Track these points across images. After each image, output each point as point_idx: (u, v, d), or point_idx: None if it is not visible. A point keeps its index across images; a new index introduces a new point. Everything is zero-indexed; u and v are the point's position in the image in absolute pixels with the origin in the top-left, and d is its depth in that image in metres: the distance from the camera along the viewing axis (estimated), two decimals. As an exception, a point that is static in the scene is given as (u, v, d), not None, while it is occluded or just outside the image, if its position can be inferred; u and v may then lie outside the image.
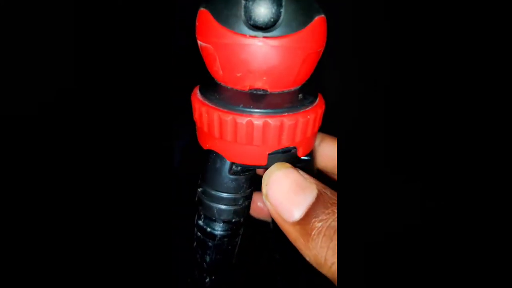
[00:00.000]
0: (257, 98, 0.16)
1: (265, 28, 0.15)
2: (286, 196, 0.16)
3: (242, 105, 0.15)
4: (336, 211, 0.15)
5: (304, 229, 0.15)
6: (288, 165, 0.16)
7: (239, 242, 0.20)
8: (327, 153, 0.22)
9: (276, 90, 0.16)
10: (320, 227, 0.15)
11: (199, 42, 0.16)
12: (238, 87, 0.16)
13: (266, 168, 0.17)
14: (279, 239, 0.22)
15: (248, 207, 0.19)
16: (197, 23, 0.16)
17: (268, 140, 0.16)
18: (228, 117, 0.15)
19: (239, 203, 0.18)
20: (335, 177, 0.23)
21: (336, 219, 0.15)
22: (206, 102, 0.16)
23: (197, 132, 0.19)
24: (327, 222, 0.15)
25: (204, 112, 0.16)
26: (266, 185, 0.16)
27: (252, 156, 0.17)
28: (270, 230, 0.24)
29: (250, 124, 0.15)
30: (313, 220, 0.15)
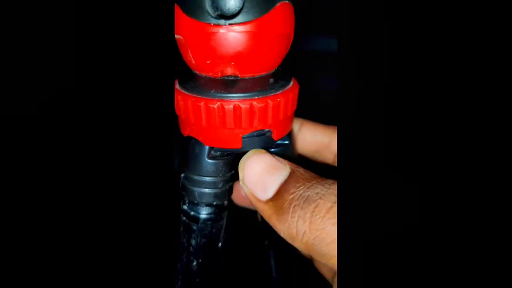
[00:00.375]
0: (228, 84, 0.17)
1: (230, 16, 0.16)
2: (260, 176, 0.16)
3: (213, 90, 0.16)
4: (308, 184, 0.15)
5: (276, 205, 0.16)
6: (262, 150, 0.17)
7: (224, 226, 0.21)
8: (307, 138, 0.23)
9: (247, 75, 0.17)
10: (290, 199, 0.15)
11: (175, 35, 0.17)
12: (210, 74, 0.17)
13: (243, 151, 0.18)
14: (267, 224, 0.23)
15: (229, 190, 0.20)
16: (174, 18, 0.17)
17: (241, 123, 0.17)
18: (201, 103, 0.16)
19: (219, 186, 0.19)
20: (316, 160, 0.24)
21: (307, 190, 0.15)
22: (182, 91, 0.17)
23: (178, 121, 0.20)
24: (297, 194, 0.15)
25: (180, 100, 0.17)
26: (242, 170, 0.17)
27: (227, 139, 0.18)
28: (257, 217, 0.25)
29: (221, 108, 0.16)
30: (284, 193, 0.15)
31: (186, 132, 0.19)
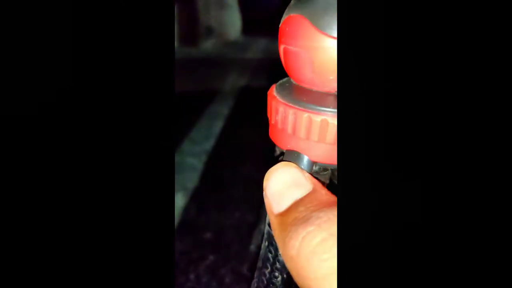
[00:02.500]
0: None
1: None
2: (279, 189, 0.16)
3: (332, 106, 0.16)
4: (318, 206, 0.14)
5: (282, 220, 0.15)
6: (293, 164, 0.17)
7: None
8: None
9: (362, 92, 0.17)
10: (295, 217, 0.14)
11: (285, 46, 0.17)
12: (326, 89, 0.17)
13: None
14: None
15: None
16: (285, 28, 0.17)
17: None
18: (318, 118, 0.16)
19: None
20: None
21: (311, 213, 0.14)
22: (292, 104, 0.17)
23: (273, 134, 0.19)
24: (302, 214, 0.14)
25: (291, 114, 0.17)
26: (267, 180, 0.16)
27: (335, 155, 0.17)
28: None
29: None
30: (293, 211, 0.14)
31: (287, 145, 0.18)
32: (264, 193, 0.16)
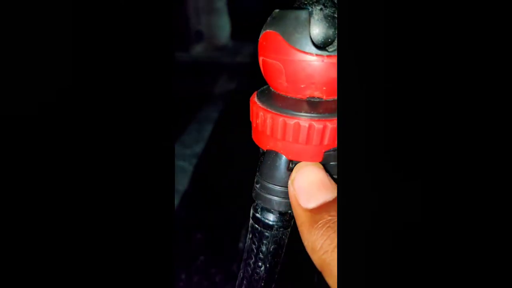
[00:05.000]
0: (315, 105, 0.19)
1: (323, 47, 0.18)
2: (309, 185, 0.18)
3: (303, 110, 0.18)
4: None
5: (313, 217, 0.17)
6: (321, 166, 0.19)
7: (288, 235, 0.23)
8: None
9: (330, 98, 0.19)
10: (327, 219, 0.17)
11: (263, 58, 0.19)
12: (299, 96, 0.19)
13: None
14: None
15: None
16: (263, 43, 0.19)
17: (325, 140, 0.19)
18: (292, 121, 0.18)
19: None
20: None
21: None
22: (270, 109, 0.19)
23: (255, 136, 0.22)
24: (335, 219, 0.17)
25: (269, 118, 0.19)
26: (296, 172, 0.19)
27: (310, 154, 0.20)
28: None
29: (312, 127, 0.18)
30: (324, 213, 0.17)
31: (267, 146, 0.21)
32: (290, 183, 0.19)
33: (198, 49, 2.92)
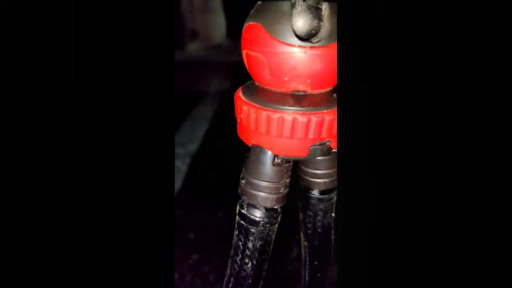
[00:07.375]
0: (300, 98, 0.19)
1: (307, 39, 0.17)
2: None
3: (287, 104, 0.18)
4: None
5: None
6: None
7: (275, 231, 0.23)
8: None
9: (315, 91, 0.19)
10: None
11: (246, 51, 0.19)
12: (283, 89, 0.19)
13: (305, 159, 0.19)
14: (308, 227, 0.24)
15: (286, 196, 0.22)
16: (246, 35, 0.19)
17: (310, 134, 0.19)
18: (275, 115, 0.18)
19: (280, 191, 0.21)
20: None
21: None
22: (254, 104, 0.19)
23: (240, 131, 0.21)
24: None
25: (253, 112, 0.19)
26: None
27: (295, 148, 0.19)
28: (299, 219, 0.26)
29: (296, 121, 0.18)
30: None
31: (251, 141, 0.20)
32: None
33: (193, 47, 2.90)
